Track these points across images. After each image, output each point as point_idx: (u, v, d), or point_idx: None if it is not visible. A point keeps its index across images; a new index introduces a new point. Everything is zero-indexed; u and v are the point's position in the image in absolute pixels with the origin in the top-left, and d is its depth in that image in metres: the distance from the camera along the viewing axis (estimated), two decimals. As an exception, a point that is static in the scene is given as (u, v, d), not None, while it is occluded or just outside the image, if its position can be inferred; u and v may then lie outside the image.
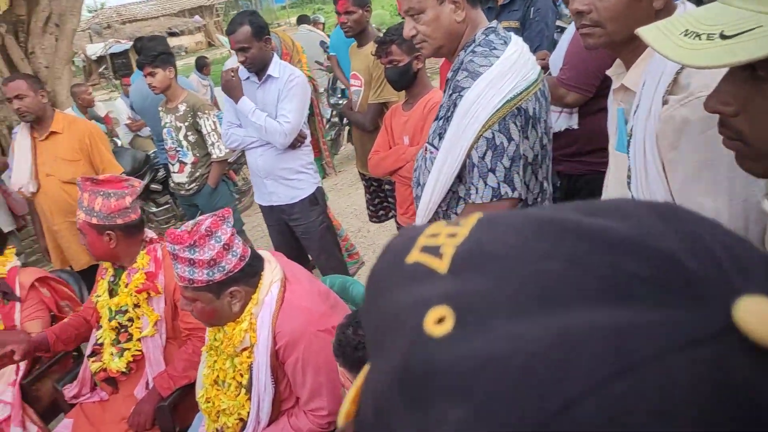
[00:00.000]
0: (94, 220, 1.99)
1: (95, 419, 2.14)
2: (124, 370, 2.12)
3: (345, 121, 5.05)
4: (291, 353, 1.61)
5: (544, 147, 1.65)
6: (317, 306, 1.64)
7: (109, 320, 2.14)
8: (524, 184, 1.57)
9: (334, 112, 5.43)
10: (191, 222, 1.59)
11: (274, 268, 1.69)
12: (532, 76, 1.53)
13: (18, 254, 3.25)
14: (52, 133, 3.09)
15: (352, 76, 3.03)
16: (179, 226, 4.75)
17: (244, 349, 1.67)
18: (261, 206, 3.04)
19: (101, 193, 2.02)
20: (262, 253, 1.73)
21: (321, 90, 5.29)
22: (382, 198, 3.31)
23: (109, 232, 2.01)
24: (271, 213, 2.97)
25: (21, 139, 3.15)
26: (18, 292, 2.35)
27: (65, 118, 3.21)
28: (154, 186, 4.73)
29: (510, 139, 1.49)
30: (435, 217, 1.74)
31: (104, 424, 2.11)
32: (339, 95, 5.19)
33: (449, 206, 1.69)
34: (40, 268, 3.13)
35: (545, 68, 2.38)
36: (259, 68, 2.68)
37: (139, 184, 2.12)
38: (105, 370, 2.14)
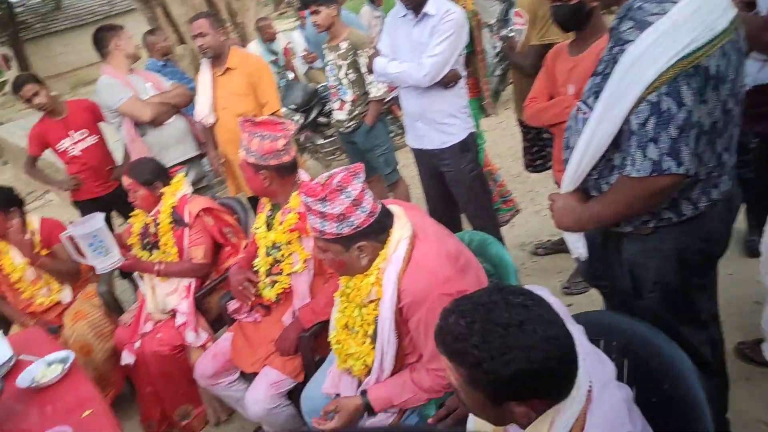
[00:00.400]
0: (251, 159, 2.12)
1: (249, 336, 2.38)
2: (274, 299, 2.30)
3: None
4: (414, 313, 1.60)
5: (729, 112, 1.37)
6: (443, 268, 1.59)
7: (266, 254, 2.32)
8: (695, 157, 1.33)
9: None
10: (325, 174, 1.61)
11: (404, 224, 1.66)
12: (720, 26, 1.25)
13: (200, 179, 3.64)
14: (228, 69, 3.31)
15: (516, 13, 2.79)
16: (343, 159, 4.94)
17: (371, 302, 1.70)
18: (412, 149, 3.01)
19: (257, 134, 2.14)
20: (393, 208, 1.70)
21: (492, 21, 4.99)
22: (540, 147, 3.09)
23: (263, 171, 2.14)
24: (422, 156, 2.93)
25: (203, 74, 3.42)
26: (186, 219, 2.64)
27: (238, 54, 3.40)
28: (321, 119, 4.93)
29: (680, 105, 1.25)
30: (584, 186, 1.57)
31: (256, 342, 2.34)
32: (510, 28, 4.85)
33: (601, 175, 1.50)
34: (211, 195, 3.49)
35: (750, 5, 1.95)
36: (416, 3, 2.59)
37: (293, 128, 2.20)
38: (260, 296, 2.35)
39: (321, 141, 5.09)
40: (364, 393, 1.76)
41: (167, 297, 2.68)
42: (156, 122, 3.36)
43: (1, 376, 2.06)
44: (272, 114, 3.34)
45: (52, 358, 2.13)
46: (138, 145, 3.38)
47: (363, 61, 3.39)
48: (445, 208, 3.01)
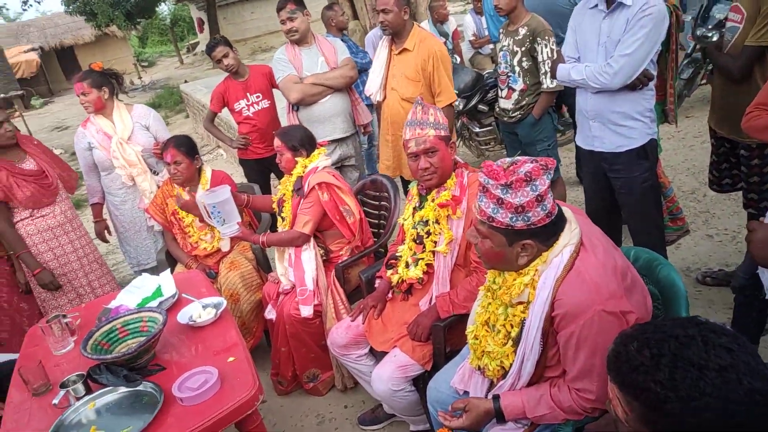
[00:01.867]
0: (443, 132, 2.11)
1: (384, 316, 2.38)
2: (420, 277, 2.27)
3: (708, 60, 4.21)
4: (567, 325, 1.47)
5: None
6: (608, 283, 1.44)
7: (412, 228, 2.29)
8: None
9: (698, 47, 4.58)
10: (509, 159, 1.51)
11: (573, 230, 1.52)
12: None
13: (346, 158, 3.69)
14: (405, 49, 3.23)
15: (732, 8, 2.43)
16: (497, 150, 4.77)
17: (520, 303, 1.60)
18: (580, 148, 2.79)
19: (432, 107, 2.14)
20: (566, 211, 1.57)
21: (688, 19, 4.49)
22: (732, 164, 2.71)
23: (452, 142, 2.15)
24: (591, 158, 2.70)
25: (381, 50, 3.39)
26: (305, 190, 2.70)
27: (418, 35, 3.23)
28: (481, 107, 4.81)
29: None
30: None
31: (390, 321, 2.33)
32: (710, 27, 4.32)
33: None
34: (359, 176, 3.50)
35: None
36: None
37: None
38: (404, 281, 2.33)
39: (477, 129, 4.97)
40: (496, 398, 1.66)
41: (288, 268, 2.78)
42: (303, 102, 3.45)
43: (166, 309, 2.26)
44: (448, 105, 3.26)
45: (208, 301, 2.29)
46: (291, 117, 3.58)
47: (541, 49, 3.21)
48: (606, 216, 2.75)
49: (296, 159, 2.76)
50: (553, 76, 2.74)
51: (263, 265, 3.18)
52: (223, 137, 4.29)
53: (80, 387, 1.85)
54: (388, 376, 2.16)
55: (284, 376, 2.85)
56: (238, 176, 5.00)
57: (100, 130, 3.32)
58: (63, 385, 1.88)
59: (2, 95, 18.19)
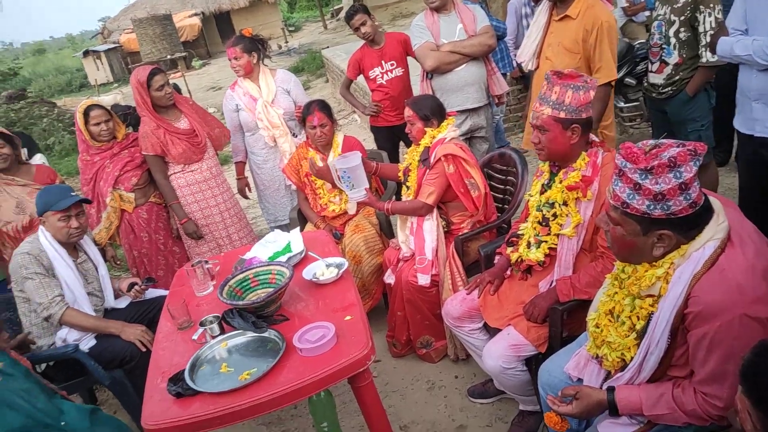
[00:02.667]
0: (562, 114, 1.99)
1: (501, 292, 2.35)
2: (541, 260, 2.21)
3: None
4: (701, 324, 1.35)
5: None
6: (756, 286, 1.29)
7: (537, 210, 2.22)
8: None
9: None
10: (651, 142, 1.40)
11: (720, 223, 1.38)
12: None
13: (477, 129, 3.61)
14: (566, 16, 2.92)
15: None
16: (642, 128, 4.40)
17: (650, 296, 1.49)
18: (738, 132, 2.50)
19: (570, 85, 1.99)
20: (714, 201, 1.42)
21: None
22: None
23: (574, 126, 2.00)
24: (748, 143, 2.42)
25: (540, 15, 3.12)
26: (431, 161, 2.68)
27: (585, 2, 2.87)
28: (628, 80, 4.45)
29: None
30: None
31: (506, 299, 2.30)
32: None
33: None
34: (488, 148, 3.40)
35: None
36: None
37: (592, 81, 2.00)
38: (523, 260, 2.28)
39: (622, 104, 4.62)
40: (611, 390, 1.59)
41: (409, 236, 2.80)
42: (439, 71, 3.41)
43: (293, 264, 2.41)
44: (607, 83, 2.92)
45: (331, 261, 2.41)
46: (424, 85, 3.55)
47: (703, 18, 2.88)
48: (763, 210, 2.46)
49: (426, 129, 2.77)
50: (712, 51, 2.46)
51: (386, 231, 3.27)
52: (357, 104, 4.41)
53: (216, 327, 2.06)
54: (499, 353, 2.14)
55: (399, 339, 2.94)
56: (369, 142, 5.12)
57: (246, 92, 3.56)
58: (202, 324, 2.09)
59: (169, 57, 20.09)
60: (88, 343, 2.62)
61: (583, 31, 2.85)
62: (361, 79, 4.30)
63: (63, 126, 11.18)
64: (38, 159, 3.85)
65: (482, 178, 2.76)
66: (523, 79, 5.59)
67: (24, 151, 3.39)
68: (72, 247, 2.71)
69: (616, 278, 1.66)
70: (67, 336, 2.60)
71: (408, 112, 2.80)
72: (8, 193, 3.07)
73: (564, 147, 2.04)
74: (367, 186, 2.86)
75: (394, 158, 4.08)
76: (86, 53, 22.68)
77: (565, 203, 2.10)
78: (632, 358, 1.56)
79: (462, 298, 2.46)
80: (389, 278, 2.90)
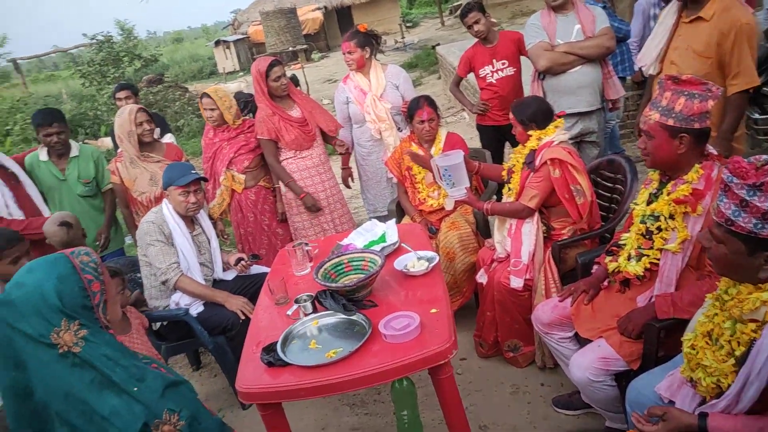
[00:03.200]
0: (670, 122, 1.90)
1: (595, 303, 2.28)
2: (640, 274, 2.12)
3: None
4: (810, 358, 1.25)
5: None
6: None
7: (641, 221, 2.13)
8: None
9: None
10: (764, 157, 1.32)
11: None
12: None
13: (587, 134, 3.47)
14: (699, 18, 2.69)
15: None
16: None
17: (753, 321, 1.40)
18: None
19: (684, 92, 1.90)
20: None
21: None
22: None
23: (682, 135, 1.90)
24: None
25: (666, 17, 2.92)
26: (536, 164, 2.61)
27: (720, 2, 2.64)
28: (766, 89, 4.08)
29: None
30: None
31: (600, 311, 2.23)
32: None
33: None
34: (598, 152, 3.26)
35: None
36: None
37: (717, 90, 1.87)
38: (621, 272, 2.19)
39: (756, 115, 4.25)
40: (703, 416, 1.50)
41: (506, 237, 2.76)
42: (551, 71, 3.33)
43: (386, 254, 2.49)
44: (744, 91, 2.67)
45: (423, 254, 2.46)
46: (535, 86, 3.49)
47: None
48: None
49: (528, 133, 2.73)
50: None
51: (482, 230, 3.26)
52: (465, 101, 4.40)
53: (309, 305, 2.18)
54: (587, 365, 2.08)
55: (486, 339, 2.93)
56: (476, 141, 5.10)
57: (357, 86, 3.69)
58: (297, 301, 2.22)
59: (291, 48, 21.05)
60: (196, 308, 2.86)
61: (719, 34, 2.63)
62: (471, 76, 4.29)
63: (192, 110, 12.11)
64: (168, 138, 4.22)
65: (590, 186, 2.67)
66: (644, 84, 5.29)
67: (156, 131, 3.75)
68: (189, 220, 2.97)
69: (717, 299, 1.56)
70: (180, 300, 2.86)
71: (510, 116, 2.80)
72: (144, 167, 3.41)
73: (670, 156, 1.94)
74: (468, 185, 2.87)
75: (498, 158, 4.04)
76: (217, 43, 24.33)
77: (671, 217, 2.00)
78: (729, 385, 1.47)
79: (554, 305, 2.41)
80: (482, 278, 2.90)
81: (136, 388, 1.22)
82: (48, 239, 2.92)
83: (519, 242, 2.71)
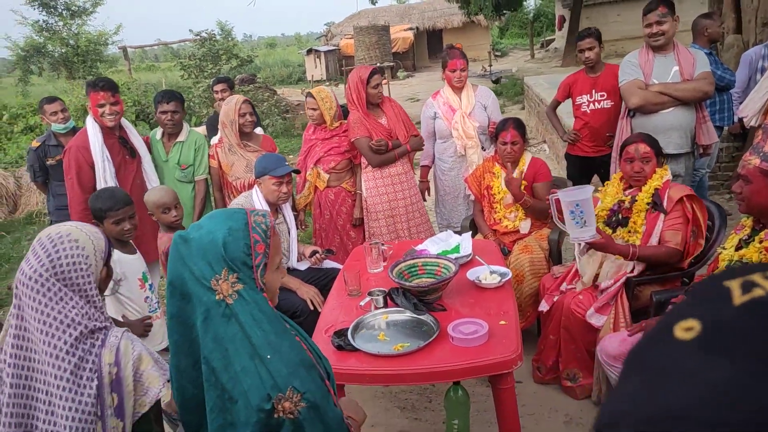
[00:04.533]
0: (764, 165, 1.89)
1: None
2: None
3: None
4: None
5: None
6: None
7: (726, 265, 2.10)
8: None
9: None
10: None
11: None
12: None
13: (674, 177, 3.39)
14: None
15: None
16: None
17: None
18: None
19: None
20: None
21: None
22: None
23: None
24: None
25: None
26: (665, 204, 2.56)
27: None
28: None
29: None
30: None
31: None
32: None
33: None
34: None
35: None
36: None
37: None
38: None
39: None
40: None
41: (609, 272, 2.72)
42: (643, 110, 3.29)
43: (460, 264, 2.54)
44: None
45: (496, 269, 2.50)
46: (624, 123, 3.45)
47: None
48: None
49: (655, 170, 2.68)
50: None
51: (555, 258, 3.25)
52: (558, 127, 4.39)
53: (381, 300, 2.27)
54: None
55: (545, 363, 2.91)
56: (557, 170, 5.08)
57: (446, 102, 3.78)
58: (370, 294, 2.32)
59: (378, 64, 21.52)
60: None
61: None
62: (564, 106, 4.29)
63: (278, 111, 12.61)
64: (258, 131, 4.46)
65: (705, 228, 2.59)
66: (741, 137, 5.10)
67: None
68: (274, 208, 3.14)
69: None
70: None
71: (645, 147, 2.69)
72: (242, 155, 3.64)
73: (765, 202, 1.91)
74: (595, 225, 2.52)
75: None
76: (309, 51, 25.23)
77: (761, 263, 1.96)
78: None
79: (622, 338, 2.38)
80: (543, 306, 2.87)
81: (269, 356, 1.24)
82: (145, 200, 3.10)
83: (615, 279, 2.66)
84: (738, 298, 0.28)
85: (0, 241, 6.68)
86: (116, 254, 2.49)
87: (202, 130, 4.80)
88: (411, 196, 3.79)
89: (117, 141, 3.48)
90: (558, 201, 2.48)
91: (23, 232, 6.78)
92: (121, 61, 24.36)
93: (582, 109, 4.00)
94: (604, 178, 3.36)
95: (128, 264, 2.55)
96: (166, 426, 2.40)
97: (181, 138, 3.80)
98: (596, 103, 3.93)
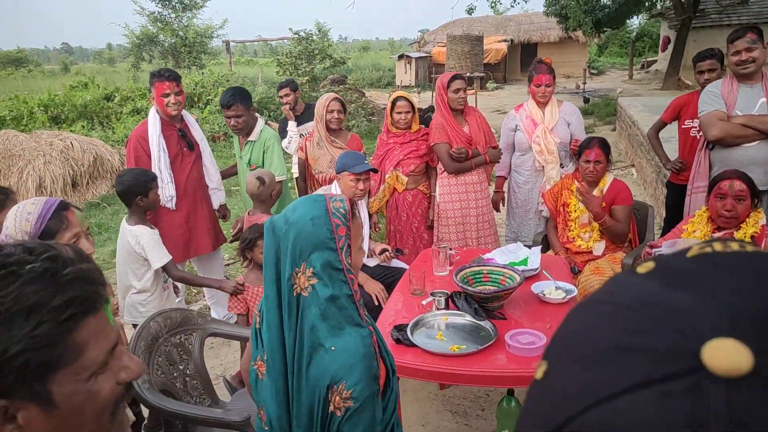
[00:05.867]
0: None
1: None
2: None
3: None
4: None
5: None
6: None
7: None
8: None
9: None
10: None
11: None
12: None
13: None
14: None
15: None
16: None
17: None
18: None
19: None
20: None
21: None
22: None
23: None
24: None
25: None
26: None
27: None
28: None
29: None
30: None
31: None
32: None
33: None
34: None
35: None
36: None
37: None
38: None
39: None
40: None
41: None
42: (723, 142, 3.09)
43: (524, 276, 2.55)
44: None
45: (561, 285, 2.49)
46: (701, 155, 3.27)
47: None
48: None
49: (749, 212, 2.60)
50: None
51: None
52: (660, 153, 4.15)
53: (443, 301, 2.32)
54: None
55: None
56: (642, 197, 4.91)
57: (529, 116, 3.77)
58: (432, 294, 2.38)
59: (468, 74, 21.48)
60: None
61: None
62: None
63: (364, 113, 12.91)
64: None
65: None
66: None
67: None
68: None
69: None
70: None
71: (740, 185, 2.59)
72: (327, 149, 3.80)
73: None
74: None
75: (678, 217, 3.82)
76: (400, 57, 25.56)
77: None
78: None
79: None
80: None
81: (333, 348, 1.31)
82: (245, 187, 3.34)
83: None
84: (691, 252, 0.35)
85: (102, 212, 7.28)
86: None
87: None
88: (483, 206, 3.81)
89: (176, 132, 3.51)
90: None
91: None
92: (224, 54, 25.75)
93: (691, 134, 3.79)
94: None
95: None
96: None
97: (252, 137, 3.78)
98: (694, 130, 3.75)
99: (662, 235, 3.45)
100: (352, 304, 1.38)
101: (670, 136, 4.40)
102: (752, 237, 2.51)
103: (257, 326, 1.46)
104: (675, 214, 3.68)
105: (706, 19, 16.53)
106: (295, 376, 1.34)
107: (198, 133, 3.70)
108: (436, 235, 3.88)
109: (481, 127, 3.80)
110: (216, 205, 3.83)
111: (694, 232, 2.74)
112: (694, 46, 17.79)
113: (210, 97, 13.44)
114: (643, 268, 0.36)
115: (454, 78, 3.67)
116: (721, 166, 3.12)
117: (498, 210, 4.19)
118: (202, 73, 16.80)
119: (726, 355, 0.28)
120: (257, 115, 3.92)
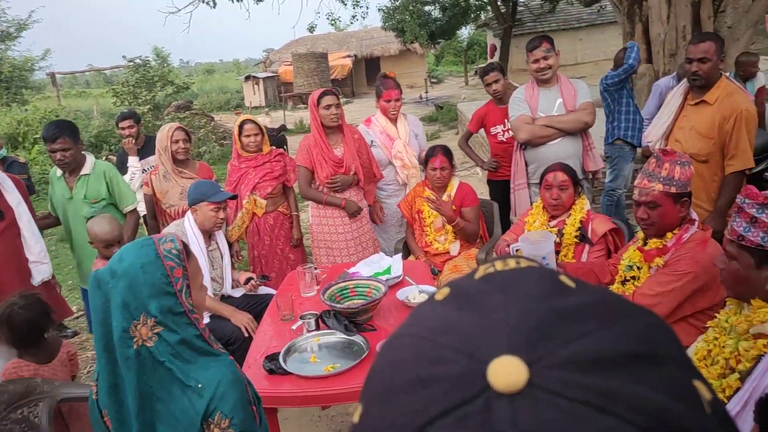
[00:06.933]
0: (673, 189, 2.07)
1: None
2: None
3: None
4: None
5: None
6: None
7: (623, 270, 2.28)
8: None
9: None
10: None
11: None
12: None
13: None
14: (703, 101, 2.94)
15: None
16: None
17: (761, 336, 1.51)
18: None
19: (678, 162, 2.08)
20: None
21: None
22: None
23: (684, 199, 2.10)
24: None
25: (674, 97, 3.15)
26: (590, 236, 2.75)
27: (725, 89, 2.88)
28: (766, 174, 4.26)
29: None
30: None
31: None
32: None
33: None
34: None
35: None
36: None
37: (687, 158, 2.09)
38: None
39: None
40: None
41: None
42: (531, 143, 3.44)
43: (389, 285, 2.63)
44: (740, 172, 2.89)
45: (424, 288, 2.60)
46: (517, 155, 3.61)
47: None
48: None
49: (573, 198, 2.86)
50: None
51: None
52: (474, 157, 4.56)
53: (312, 323, 2.32)
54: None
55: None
56: (484, 195, 5.27)
57: (383, 131, 3.87)
58: (302, 318, 2.36)
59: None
60: (203, 320, 2.99)
61: (720, 117, 2.86)
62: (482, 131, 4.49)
63: (215, 138, 12.50)
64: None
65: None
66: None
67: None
68: (207, 235, 3.14)
69: (717, 325, 1.69)
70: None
71: (562, 176, 2.84)
72: (176, 182, 3.61)
73: (674, 221, 2.11)
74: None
75: (506, 210, 4.18)
76: (247, 78, 25.14)
77: (638, 267, 2.18)
78: (729, 398, 1.52)
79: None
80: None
81: (200, 385, 1.26)
82: (89, 228, 2.95)
83: None
84: (478, 273, 0.39)
85: None
86: None
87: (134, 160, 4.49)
88: (361, 226, 3.70)
89: None
90: (518, 251, 2.61)
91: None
92: (50, 87, 23.49)
93: (498, 139, 4.18)
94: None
95: None
96: None
97: (85, 171, 3.53)
98: (510, 132, 4.12)
99: (503, 228, 3.73)
100: (204, 342, 1.33)
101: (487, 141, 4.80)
102: (581, 221, 2.80)
103: (94, 396, 1.35)
104: (503, 208, 4.01)
105: (524, 27, 18.25)
106: (155, 427, 1.26)
107: (13, 197, 3.25)
108: (314, 256, 3.80)
109: (360, 152, 3.67)
110: (37, 282, 3.32)
111: (534, 223, 3.00)
112: (517, 51, 19.55)
113: (37, 136, 12.20)
114: (440, 294, 0.39)
115: (324, 94, 3.54)
116: (536, 164, 3.46)
117: (381, 221, 3.97)
118: (26, 109, 15.18)
119: (504, 372, 0.31)
120: (84, 153, 3.60)
